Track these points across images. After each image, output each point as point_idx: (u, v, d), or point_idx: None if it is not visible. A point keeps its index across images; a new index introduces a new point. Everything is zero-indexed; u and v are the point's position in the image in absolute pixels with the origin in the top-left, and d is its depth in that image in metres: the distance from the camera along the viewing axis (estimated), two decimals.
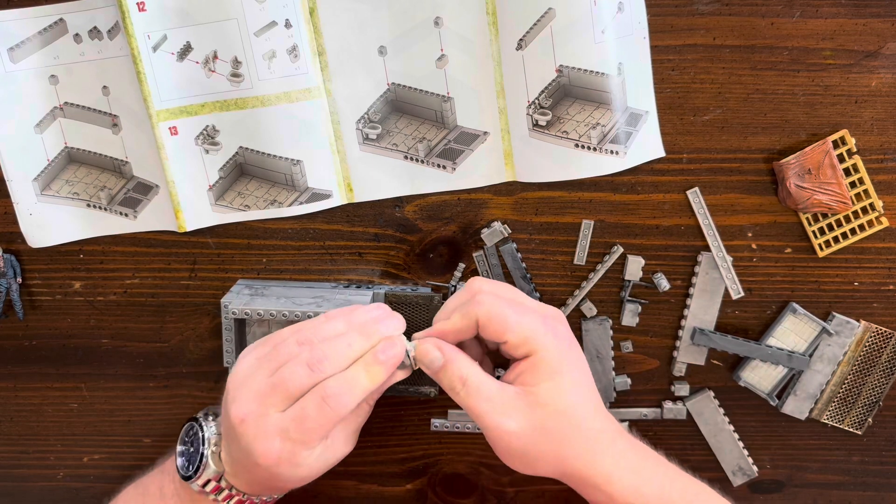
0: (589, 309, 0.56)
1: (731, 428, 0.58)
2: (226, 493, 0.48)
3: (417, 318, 0.55)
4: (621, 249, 0.55)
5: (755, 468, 0.59)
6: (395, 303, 0.55)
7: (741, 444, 0.58)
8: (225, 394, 0.47)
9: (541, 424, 0.45)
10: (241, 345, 0.54)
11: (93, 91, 0.53)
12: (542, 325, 0.46)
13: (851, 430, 0.58)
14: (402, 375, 0.48)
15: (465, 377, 0.46)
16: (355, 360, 0.46)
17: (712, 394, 0.58)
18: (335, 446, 0.48)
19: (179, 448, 0.50)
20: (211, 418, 0.50)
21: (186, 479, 0.48)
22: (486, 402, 0.45)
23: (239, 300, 0.53)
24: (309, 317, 0.52)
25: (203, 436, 0.49)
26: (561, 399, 0.46)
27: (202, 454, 0.48)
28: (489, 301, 0.46)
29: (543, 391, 0.45)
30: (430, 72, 0.52)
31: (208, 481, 0.48)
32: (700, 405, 0.58)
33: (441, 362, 0.46)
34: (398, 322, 0.48)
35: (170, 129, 0.52)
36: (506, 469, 0.60)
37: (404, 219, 0.56)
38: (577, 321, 0.57)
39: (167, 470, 0.52)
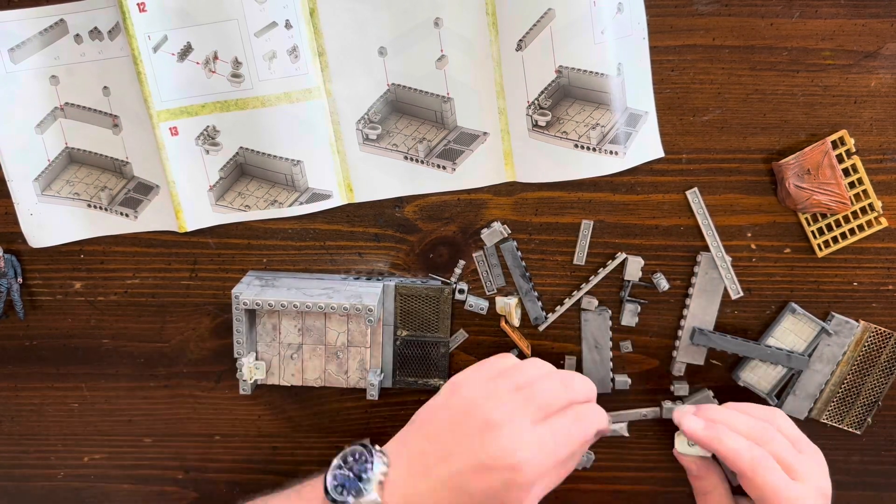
0: (589, 302, 0.56)
1: None
2: None
3: (427, 311, 0.55)
4: (623, 256, 0.55)
5: None
6: (405, 295, 0.55)
7: None
8: (449, 397, 0.48)
9: None
10: (251, 336, 0.55)
11: (93, 91, 0.53)
12: None
13: (851, 429, 0.58)
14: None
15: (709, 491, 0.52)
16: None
17: (711, 393, 0.58)
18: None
19: (336, 462, 0.47)
20: (378, 450, 0.48)
21: (335, 499, 0.46)
22: None
23: (250, 291, 0.53)
24: (320, 308, 0.52)
25: (371, 462, 0.46)
26: None
27: (366, 478, 0.46)
28: (773, 481, 0.47)
29: None
30: (430, 72, 0.52)
31: None
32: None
33: (695, 472, 0.53)
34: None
35: (170, 129, 0.52)
36: None
37: (404, 219, 0.56)
38: (576, 314, 0.57)
39: (305, 497, 0.48)
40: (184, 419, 0.60)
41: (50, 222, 0.55)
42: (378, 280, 0.56)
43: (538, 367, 0.49)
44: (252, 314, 0.55)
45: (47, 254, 0.57)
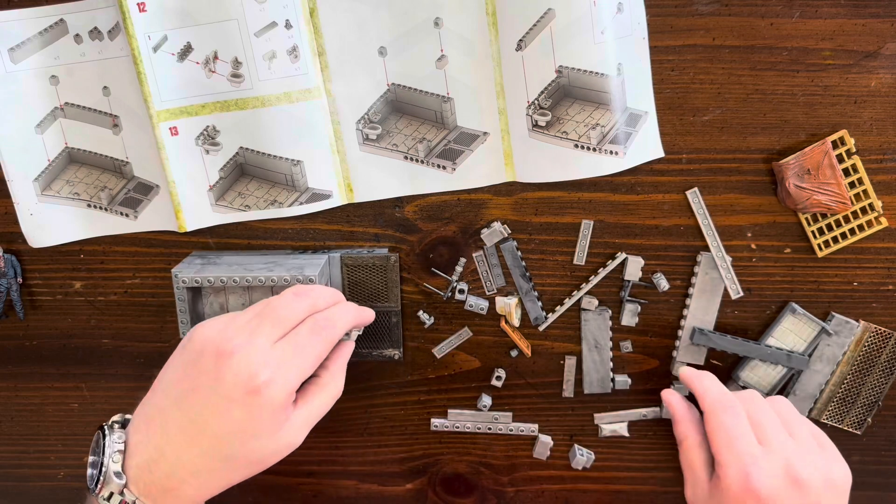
0: (589, 302, 0.56)
1: None
2: None
3: (375, 280, 0.55)
4: (623, 256, 0.55)
5: None
6: (351, 265, 0.55)
7: None
8: (184, 344, 0.46)
9: None
10: (196, 317, 0.54)
11: (93, 91, 0.53)
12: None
13: (851, 429, 0.58)
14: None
15: (692, 463, 0.50)
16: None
17: (741, 383, 0.57)
18: (293, 428, 0.46)
19: (90, 458, 0.45)
20: (118, 426, 0.46)
21: (92, 490, 0.44)
22: (690, 489, 0.50)
23: (190, 269, 0.53)
24: (260, 281, 0.51)
25: (104, 445, 0.45)
26: None
27: (102, 465, 0.44)
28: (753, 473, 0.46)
29: None
30: (430, 72, 0.52)
31: (111, 494, 0.44)
32: None
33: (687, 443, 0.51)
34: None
35: (170, 129, 0.52)
36: (506, 469, 0.60)
37: (404, 219, 0.56)
38: (576, 314, 0.57)
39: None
40: None
41: (50, 222, 0.55)
42: (322, 253, 0.56)
43: (282, 293, 0.48)
44: (196, 293, 0.54)
45: (47, 254, 0.57)
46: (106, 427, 0.46)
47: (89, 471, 0.45)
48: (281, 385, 0.43)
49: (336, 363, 0.50)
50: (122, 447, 0.45)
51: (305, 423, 0.47)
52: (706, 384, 0.51)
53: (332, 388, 0.49)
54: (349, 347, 0.51)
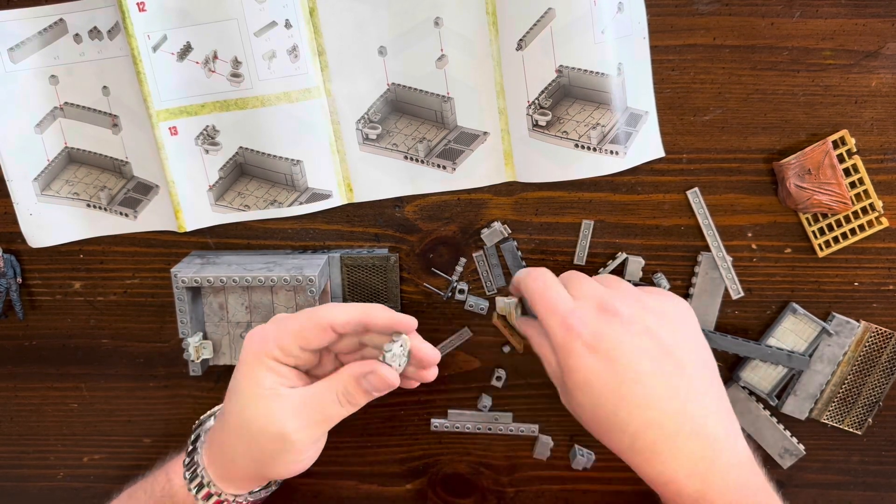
0: None
1: (768, 413, 0.58)
2: (210, 495, 0.49)
3: (374, 280, 0.55)
4: (624, 256, 0.55)
5: (801, 447, 0.58)
6: (351, 265, 0.55)
7: (781, 427, 0.58)
8: None
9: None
10: (196, 317, 0.54)
11: (93, 91, 0.53)
12: (561, 333, 0.46)
13: (851, 430, 0.58)
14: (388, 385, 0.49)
15: (540, 349, 0.50)
16: None
17: (741, 383, 0.57)
18: (282, 409, 0.47)
19: (186, 460, 0.51)
20: (216, 411, 0.53)
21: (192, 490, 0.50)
22: (548, 368, 0.49)
23: (189, 269, 0.53)
24: (260, 281, 0.51)
25: (208, 419, 0.52)
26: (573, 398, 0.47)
27: (196, 462, 0.50)
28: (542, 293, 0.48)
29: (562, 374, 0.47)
30: (430, 72, 0.52)
31: (200, 486, 0.49)
32: (730, 396, 0.57)
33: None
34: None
35: (170, 129, 0.52)
36: (506, 469, 0.60)
37: (404, 219, 0.56)
38: None
39: (171, 470, 0.51)
40: (183, 419, 0.60)
41: (49, 222, 0.55)
42: (322, 252, 0.56)
43: None
44: (196, 293, 0.54)
45: (47, 254, 0.57)
46: (204, 417, 0.54)
47: (193, 432, 0.52)
48: (257, 334, 0.47)
49: (350, 368, 0.48)
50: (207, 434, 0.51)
51: (298, 410, 0.46)
52: (525, 279, 0.50)
53: (330, 383, 0.48)
54: (373, 365, 0.47)
